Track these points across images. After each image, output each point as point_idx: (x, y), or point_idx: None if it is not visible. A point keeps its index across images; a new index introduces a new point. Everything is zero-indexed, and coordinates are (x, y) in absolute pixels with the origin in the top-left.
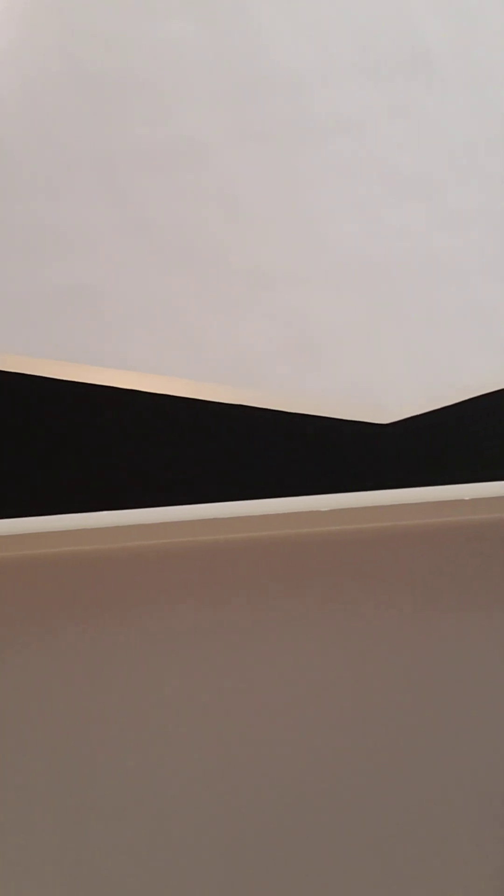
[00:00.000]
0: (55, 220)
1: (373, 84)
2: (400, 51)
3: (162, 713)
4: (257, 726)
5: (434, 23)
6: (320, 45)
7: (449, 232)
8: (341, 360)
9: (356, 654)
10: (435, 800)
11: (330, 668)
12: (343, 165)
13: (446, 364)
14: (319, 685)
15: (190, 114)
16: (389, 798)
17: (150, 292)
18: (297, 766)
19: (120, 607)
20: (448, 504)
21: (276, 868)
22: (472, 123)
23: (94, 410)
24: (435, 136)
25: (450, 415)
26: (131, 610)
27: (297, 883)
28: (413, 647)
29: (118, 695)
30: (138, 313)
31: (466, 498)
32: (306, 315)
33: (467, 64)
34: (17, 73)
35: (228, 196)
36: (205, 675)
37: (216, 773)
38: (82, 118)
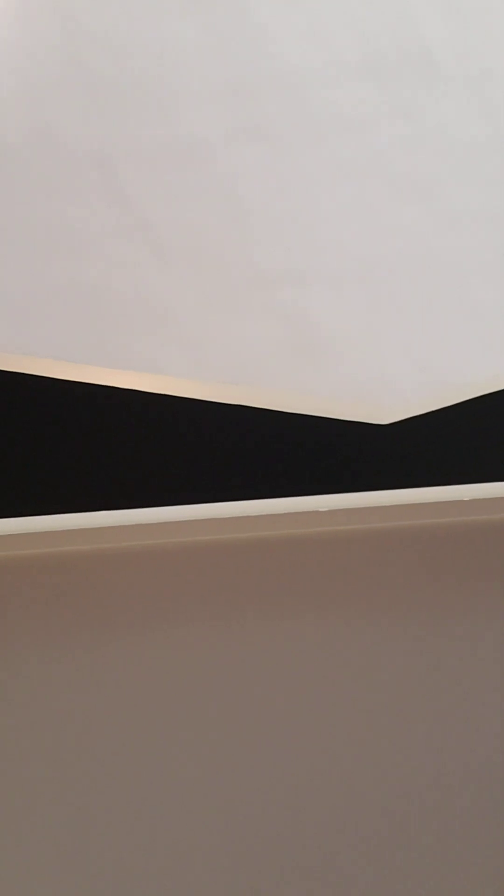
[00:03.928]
0: (55, 220)
1: (373, 84)
2: (400, 51)
3: (162, 711)
4: (257, 723)
5: (435, 23)
6: (321, 45)
7: (449, 232)
8: (341, 360)
9: (356, 654)
10: (435, 798)
11: (329, 668)
12: (343, 165)
13: (446, 364)
14: (319, 684)
15: (190, 113)
16: (390, 796)
17: (150, 292)
18: (298, 764)
19: (119, 607)
20: (448, 504)
21: (275, 868)
22: (472, 123)
23: (94, 410)
24: (435, 136)
25: (450, 415)
26: (131, 609)
27: (297, 886)
28: (413, 647)
29: (118, 693)
30: (138, 313)
31: (466, 498)
32: (306, 315)
33: (468, 64)
34: (18, 73)
35: (229, 196)
36: (204, 674)
37: (217, 769)
38: (82, 118)
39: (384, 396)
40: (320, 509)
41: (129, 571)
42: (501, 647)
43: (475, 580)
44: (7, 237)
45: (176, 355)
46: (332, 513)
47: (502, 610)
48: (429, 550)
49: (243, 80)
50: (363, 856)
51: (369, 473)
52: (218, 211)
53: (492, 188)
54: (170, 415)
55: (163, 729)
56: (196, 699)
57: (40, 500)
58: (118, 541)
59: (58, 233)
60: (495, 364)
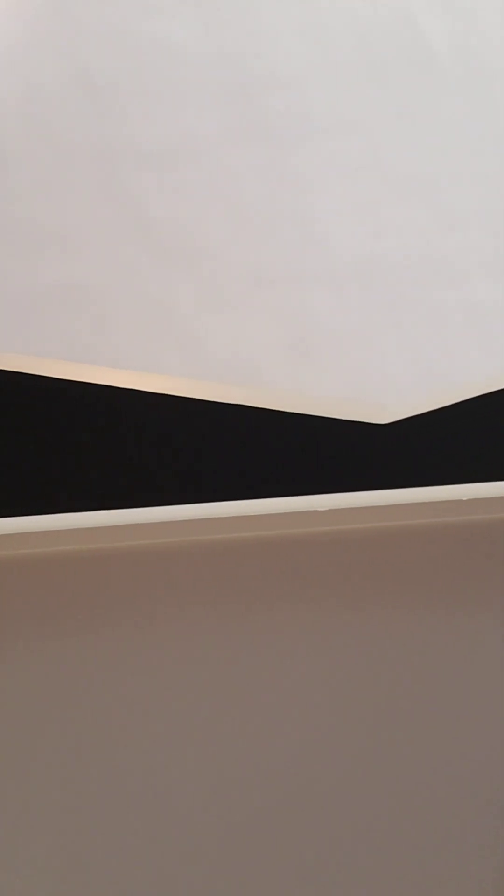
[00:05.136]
0: (55, 220)
1: (373, 84)
2: (400, 51)
3: (163, 709)
4: (257, 722)
5: (435, 23)
6: (320, 45)
7: (448, 232)
8: (341, 359)
9: (355, 652)
10: (435, 798)
11: (328, 666)
12: (343, 165)
13: (446, 364)
14: (318, 682)
15: (190, 113)
16: (390, 796)
17: (150, 292)
18: (298, 762)
19: (119, 605)
20: (447, 504)
21: (275, 868)
22: (472, 123)
23: (94, 410)
24: (435, 136)
25: (450, 415)
26: (131, 608)
27: (297, 887)
28: (412, 645)
29: (118, 691)
30: (138, 313)
31: (465, 498)
32: (306, 315)
33: (468, 64)
34: (18, 73)
35: (228, 196)
36: (204, 672)
37: (216, 768)
38: (82, 118)
39: (384, 396)
40: (320, 509)
41: (128, 571)
42: (501, 645)
43: (474, 579)
44: (7, 237)
45: (176, 355)
46: (332, 512)
47: (501, 609)
48: (428, 550)
49: (243, 79)
50: (362, 850)
51: (369, 473)
52: (217, 210)
53: (491, 188)
54: (170, 415)
55: (162, 728)
56: (196, 697)
57: (40, 500)
58: (118, 540)
59: (57, 233)
60: (495, 364)
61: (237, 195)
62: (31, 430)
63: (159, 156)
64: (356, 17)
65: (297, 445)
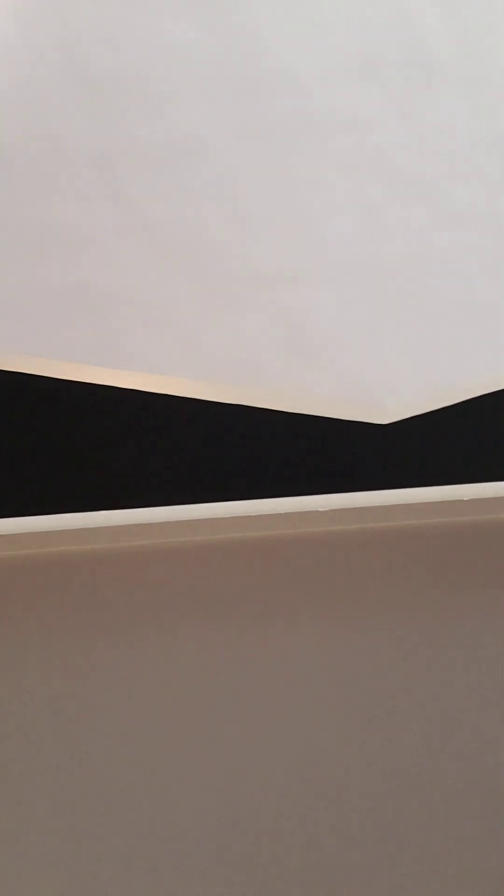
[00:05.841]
0: (55, 220)
1: (373, 84)
2: (400, 51)
3: (161, 712)
4: (256, 724)
5: (434, 23)
6: (321, 45)
7: (449, 232)
8: (341, 359)
9: (355, 653)
10: (436, 803)
11: (329, 668)
12: (343, 165)
13: (446, 364)
14: (319, 685)
15: (190, 113)
16: (391, 799)
17: (150, 292)
18: (297, 764)
19: (119, 607)
20: (448, 504)
21: (275, 870)
22: (472, 123)
23: (94, 410)
24: (435, 136)
25: (450, 415)
26: (130, 609)
27: (297, 888)
28: (413, 645)
29: (117, 693)
30: (138, 313)
31: (466, 498)
32: (306, 315)
33: (467, 64)
34: (17, 72)
35: (228, 195)
36: (204, 674)
37: (215, 771)
38: (82, 117)
39: (384, 396)
40: (320, 509)
41: (129, 571)
42: (501, 646)
43: (475, 580)
44: (7, 237)
45: (176, 355)
46: (332, 513)
47: (502, 610)
48: (429, 550)
49: (243, 79)
50: (362, 859)
51: (369, 473)
52: (217, 210)
53: (491, 188)
54: (170, 415)
55: (161, 729)
56: (195, 699)
57: (40, 500)
58: (118, 541)
59: (58, 233)
60: (495, 364)
61: (237, 195)
62: (31, 430)
63: (159, 155)
64: (356, 17)
65: (297, 445)
